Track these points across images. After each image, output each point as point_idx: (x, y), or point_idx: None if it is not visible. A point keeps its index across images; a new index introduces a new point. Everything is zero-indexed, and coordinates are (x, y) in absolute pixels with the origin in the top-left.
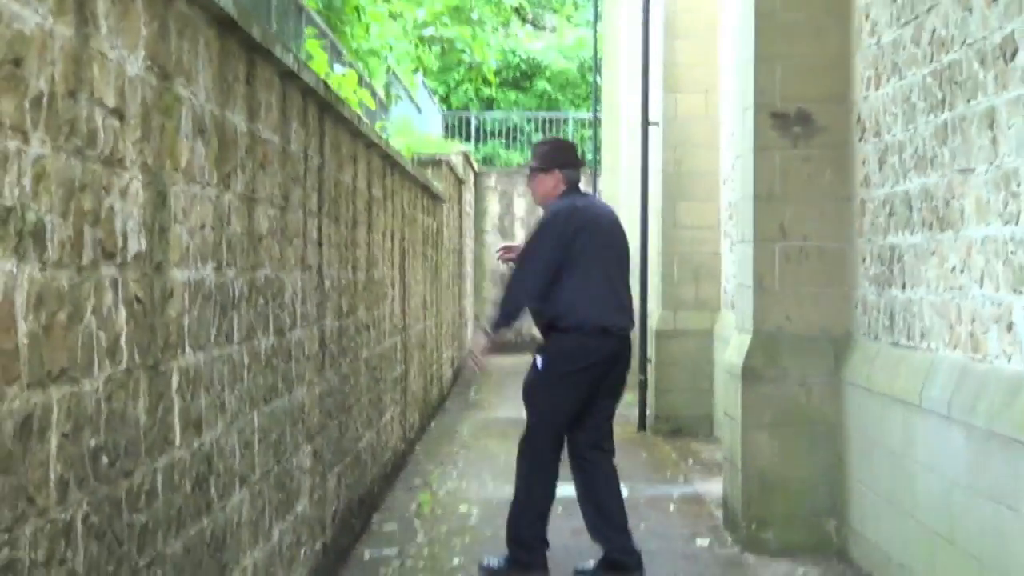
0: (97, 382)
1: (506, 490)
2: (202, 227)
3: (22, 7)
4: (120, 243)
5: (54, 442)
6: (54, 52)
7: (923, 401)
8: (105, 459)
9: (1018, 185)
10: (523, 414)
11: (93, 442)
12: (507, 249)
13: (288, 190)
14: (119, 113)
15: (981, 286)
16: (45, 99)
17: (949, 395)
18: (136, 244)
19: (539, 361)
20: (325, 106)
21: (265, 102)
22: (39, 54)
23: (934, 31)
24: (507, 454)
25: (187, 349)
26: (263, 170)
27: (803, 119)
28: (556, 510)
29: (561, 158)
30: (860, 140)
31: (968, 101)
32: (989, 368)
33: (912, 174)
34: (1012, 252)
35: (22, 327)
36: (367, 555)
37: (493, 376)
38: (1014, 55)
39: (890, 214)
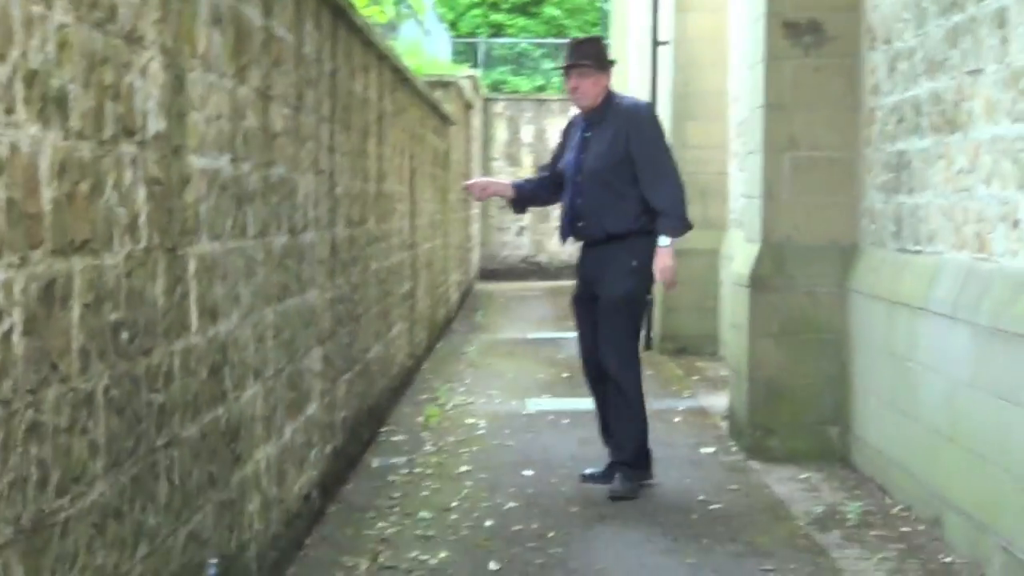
0: (117, 258)
1: (512, 404)
2: (218, 117)
3: None
4: (140, 122)
5: (76, 312)
6: None
7: (928, 303)
8: (125, 335)
9: None
10: (528, 335)
11: (113, 317)
12: (474, 187)
13: (302, 91)
14: None
15: (988, 186)
16: None
17: (954, 295)
18: (155, 124)
19: (633, 264)
20: (338, 11)
21: None
22: None
23: None
24: (514, 372)
25: (203, 237)
26: (277, 68)
27: (814, 28)
28: (562, 421)
29: (609, 58)
30: (870, 49)
31: (979, 2)
32: (995, 267)
33: (922, 79)
34: (1021, 150)
35: (46, 193)
36: (375, 463)
37: (499, 300)
38: None
39: (899, 120)
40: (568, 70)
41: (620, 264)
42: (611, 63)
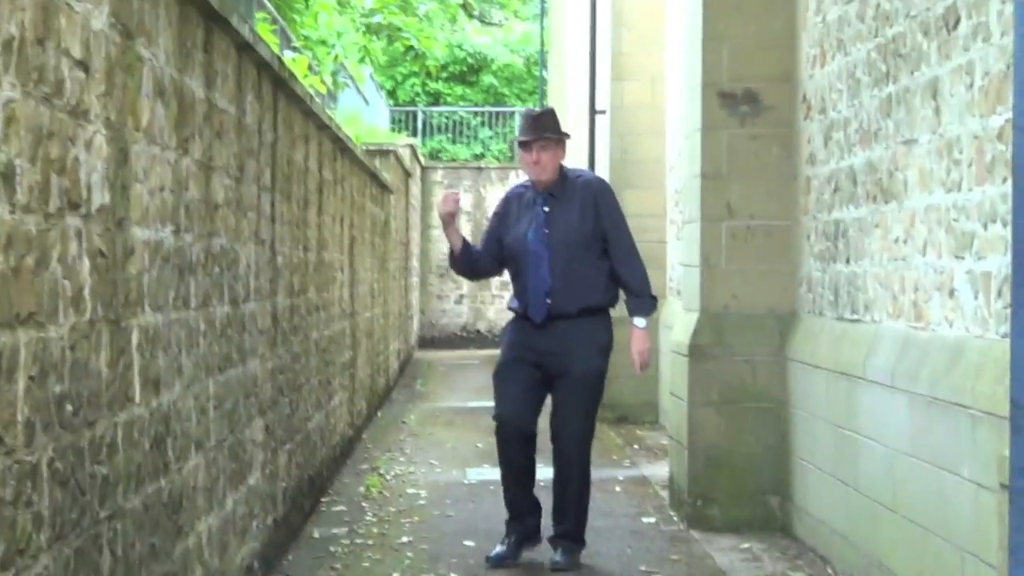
0: (62, 330)
1: (453, 474)
2: (161, 189)
3: None
4: (85, 194)
5: (21, 384)
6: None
7: (866, 372)
8: (69, 407)
9: (960, 152)
10: (468, 404)
11: (58, 388)
12: (448, 201)
13: (243, 162)
14: (84, 66)
15: (924, 255)
16: (16, 44)
17: (892, 364)
18: (100, 197)
19: (600, 345)
20: (279, 82)
21: (222, 71)
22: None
23: (878, 6)
24: (454, 441)
25: (147, 308)
26: (219, 139)
27: (750, 98)
28: (487, 490)
29: (564, 131)
30: (806, 118)
31: (912, 73)
32: (931, 336)
33: (857, 148)
34: (954, 219)
35: None
36: (316, 533)
37: (439, 369)
38: (956, 24)
39: (835, 190)
40: (529, 144)
41: (592, 341)
42: (567, 136)
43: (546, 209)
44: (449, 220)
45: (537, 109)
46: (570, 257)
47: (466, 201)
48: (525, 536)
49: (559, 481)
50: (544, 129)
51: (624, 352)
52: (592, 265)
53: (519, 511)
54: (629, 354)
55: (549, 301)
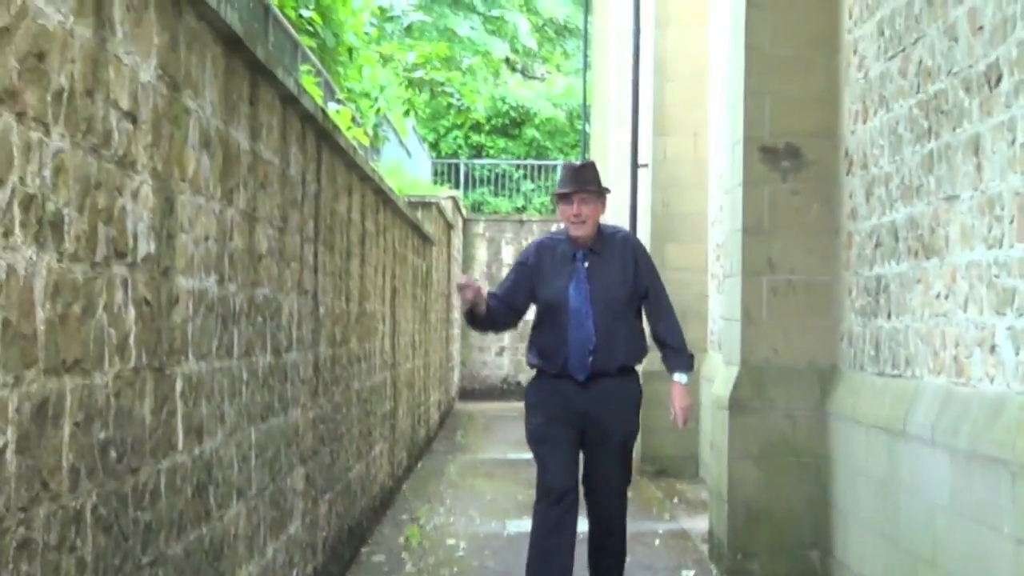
0: (107, 377)
1: (492, 525)
2: (206, 239)
3: (46, 4)
4: (131, 243)
5: (67, 430)
6: (74, 50)
7: (907, 427)
8: (113, 453)
9: (1002, 209)
10: (507, 455)
11: (103, 435)
12: (468, 288)
13: (287, 213)
14: (132, 117)
15: (965, 311)
16: (65, 95)
17: (933, 419)
18: (146, 247)
19: (637, 404)
20: (323, 134)
21: (267, 123)
22: (60, 51)
23: (920, 62)
24: (493, 493)
25: (190, 356)
26: (264, 190)
27: (792, 153)
28: (526, 542)
29: (604, 185)
30: (848, 173)
31: (954, 129)
32: (972, 391)
33: (898, 204)
34: (995, 275)
35: (40, 314)
36: None
37: (479, 421)
38: (999, 81)
39: (876, 245)
40: (570, 196)
41: (631, 400)
42: (608, 190)
43: (587, 265)
44: (472, 303)
45: (578, 162)
46: (612, 314)
47: (508, 253)
48: None
49: (599, 544)
50: (586, 182)
51: (663, 406)
52: (631, 323)
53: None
54: (670, 409)
55: (592, 359)
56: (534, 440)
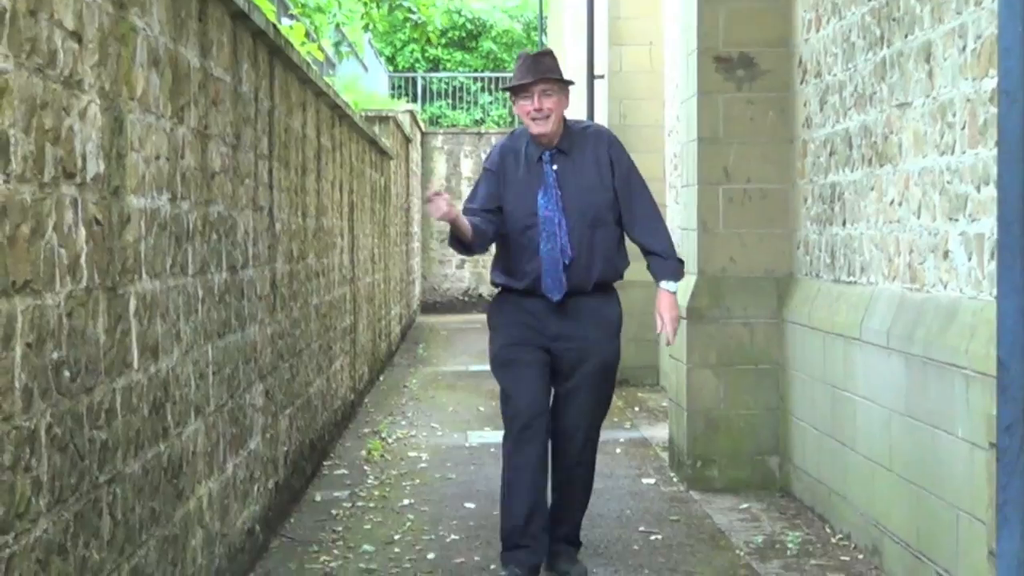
0: (59, 297)
1: (454, 437)
2: (157, 157)
3: None
4: (80, 164)
5: (19, 351)
6: None
7: (863, 333)
8: (67, 373)
9: (954, 115)
10: (469, 367)
11: (56, 355)
12: (439, 201)
13: (240, 130)
14: (77, 36)
15: (918, 217)
16: (7, 15)
17: (888, 325)
18: (95, 166)
19: (616, 325)
20: (275, 50)
21: (217, 40)
22: None
23: None
24: (455, 405)
25: (144, 275)
26: (215, 108)
27: (746, 63)
28: (488, 453)
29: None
30: (802, 82)
31: (905, 36)
32: (926, 297)
33: (852, 112)
34: (948, 181)
35: None
36: (318, 496)
37: (441, 333)
38: None
39: (831, 153)
40: (529, 88)
41: (611, 321)
42: (571, 82)
43: (555, 168)
44: (451, 218)
45: (535, 50)
46: (589, 222)
47: (466, 167)
48: (538, 563)
49: (563, 482)
50: (547, 70)
51: (629, 316)
52: (611, 231)
53: (533, 530)
54: (656, 320)
55: (567, 275)
56: (498, 364)
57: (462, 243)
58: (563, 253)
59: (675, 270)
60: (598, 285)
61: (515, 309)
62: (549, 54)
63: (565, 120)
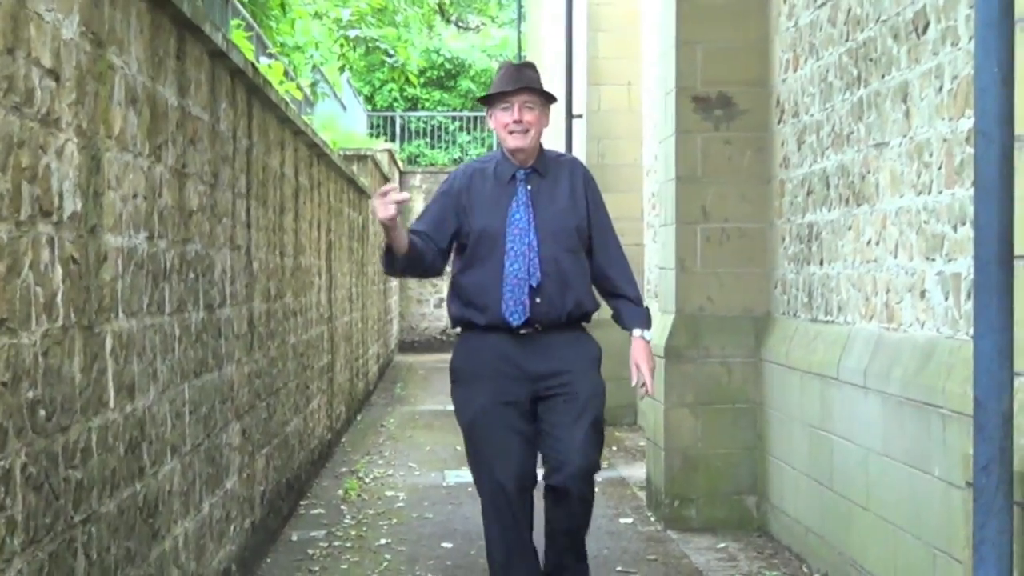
0: (35, 336)
1: (432, 476)
2: (134, 196)
3: None
4: (56, 202)
5: None
6: None
7: (840, 373)
8: (43, 412)
9: (930, 155)
10: (447, 407)
11: (31, 394)
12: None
13: (217, 168)
14: (55, 74)
15: (895, 257)
16: None
17: (865, 365)
18: (72, 205)
19: (597, 360)
20: (253, 89)
21: (195, 79)
22: None
23: (849, 10)
24: (432, 444)
25: (120, 314)
26: (193, 146)
27: (724, 102)
28: (465, 492)
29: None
30: (779, 122)
31: (883, 77)
32: (903, 336)
33: (829, 152)
34: (925, 221)
35: None
36: (295, 536)
37: (419, 372)
38: (926, 29)
39: (808, 193)
40: (509, 97)
41: (588, 353)
42: (554, 99)
43: (529, 187)
44: (392, 224)
45: (517, 62)
46: (562, 246)
47: None
48: None
49: (562, 534)
50: (529, 81)
51: (612, 356)
52: (581, 262)
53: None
54: (632, 373)
55: (538, 300)
56: (474, 431)
57: (393, 258)
58: (530, 274)
59: (648, 317)
60: (571, 321)
61: (484, 353)
62: (532, 66)
63: (541, 147)
